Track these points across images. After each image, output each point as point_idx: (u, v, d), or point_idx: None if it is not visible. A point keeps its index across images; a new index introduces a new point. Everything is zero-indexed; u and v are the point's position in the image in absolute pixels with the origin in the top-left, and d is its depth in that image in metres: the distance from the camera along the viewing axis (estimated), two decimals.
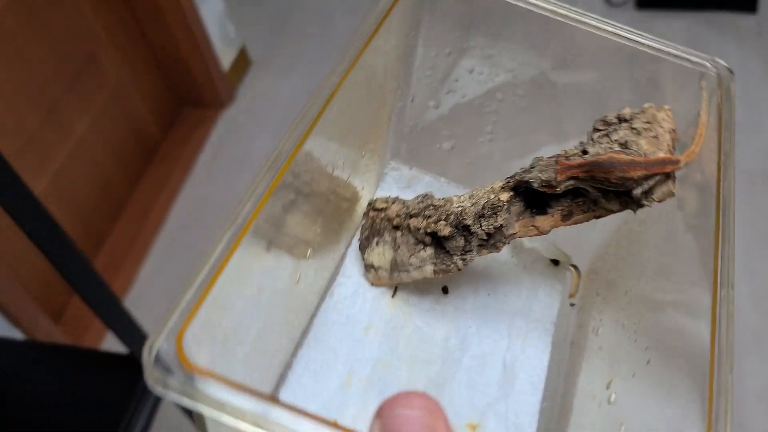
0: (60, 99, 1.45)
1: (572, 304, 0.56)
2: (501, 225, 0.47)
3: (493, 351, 0.52)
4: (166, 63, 1.88)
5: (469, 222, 0.48)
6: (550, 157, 0.45)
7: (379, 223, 0.54)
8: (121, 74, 1.70)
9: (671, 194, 0.45)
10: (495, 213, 0.47)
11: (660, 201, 0.46)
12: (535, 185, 0.45)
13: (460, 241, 0.49)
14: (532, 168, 0.46)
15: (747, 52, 1.88)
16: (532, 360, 0.52)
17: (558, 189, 0.45)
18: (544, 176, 0.45)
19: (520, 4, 0.49)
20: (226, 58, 2.02)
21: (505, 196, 0.48)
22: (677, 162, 0.43)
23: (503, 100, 0.53)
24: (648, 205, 0.45)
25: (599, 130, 0.49)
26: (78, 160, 1.51)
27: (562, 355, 0.53)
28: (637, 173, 0.43)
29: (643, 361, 0.40)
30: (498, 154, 0.55)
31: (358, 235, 0.55)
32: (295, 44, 2.29)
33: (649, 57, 0.50)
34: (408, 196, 0.60)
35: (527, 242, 0.58)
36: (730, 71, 0.48)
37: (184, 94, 2.01)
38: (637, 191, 0.44)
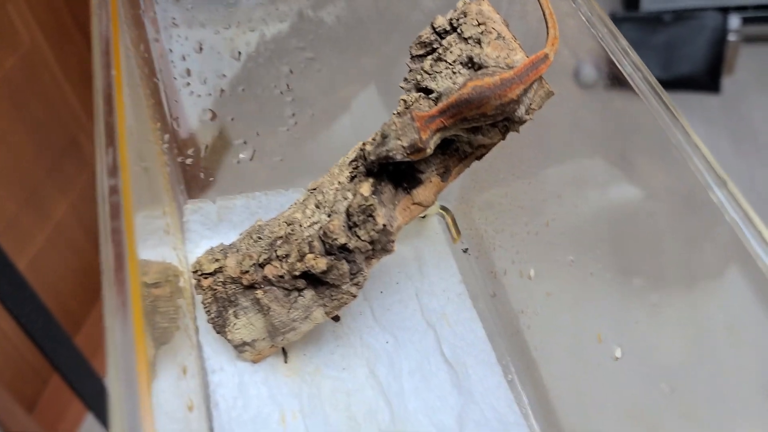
0: (40, 183, 1.46)
1: (465, 250, 0.48)
2: (384, 225, 0.37)
3: (426, 354, 0.43)
4: None
5: (342, 240, 0.37)
6: (402, 116, 0.35)
7: (225, 290, 0.40)
8: None
9: (551, 94, 0.37)
10: (370, 215, 0.36)
11: (540, 107, 0.38)
12: (399, 157, 0.35)
13: (344, 267, 0.38)
14: (385, 138, 0.35)
15: (715, 131, 1.89)
16: (469, 336, 0.44)
17: (428, 149, 0.35)
18: (405, 141, 0.34)
19: None
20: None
21: (366, 189, 0.37)
22: (546, 57, 0.35)
23: (292, 73, 0.40)
24: (530, 119, 0.37)
25: (421, 57, 0.39)
26: (56, 243, 1.49)
27: (491, 311, 0.45)
28: (516, 91, 0.34)
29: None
30: (311, 134, 0.44)
31: (203, 317, 0.41)
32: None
33: None
34: (225, 234, 0.46)
35: None
36: None
37: None
38: (521, 110, 0.35)
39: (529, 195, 0.40)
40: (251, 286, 0.40)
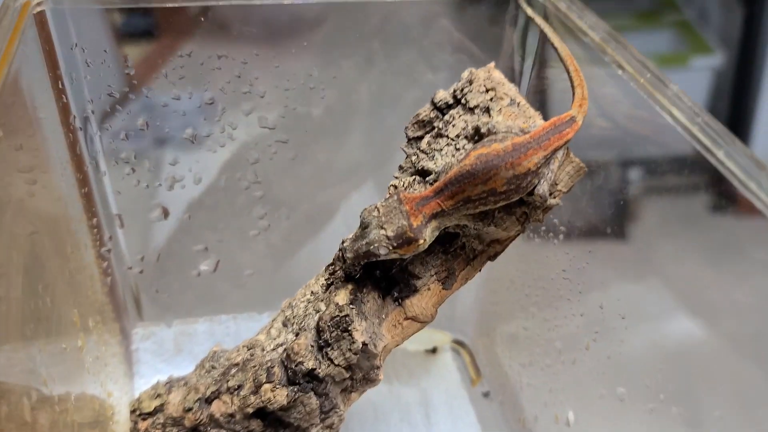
0: None
1: (485, 394, 0.38)
2: (364, 343, 0.27)
3: None
4: None
5: (310, 364, 0.28)
6: (387, 200, 0.27)
7: None
8: None
9: (582, 171, 0.29)
10: (345, 329, 0.27)
11: (570, 189, 0.29)
12: (384, 252, 0.26)
13: (312, 402, 0.28)
14: (366, 229, 0.27)
15: (625, 276, 1.99)
16: None
17: (421, 240, 0.26)
18: (390, 230, 0.26)
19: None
20: None
21: (342, 297, 0.28)
22: (573, 120, 0.27)
23: (259, 159, 0.33)
24: (557, 204, 0.29)
25: (418, 138, 0.31)
26: None
27: None
28: (533, 159, 0.26)
29: None
30: (292, 243, 0.36)
31: None
32: None
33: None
34: (185, 368, 0.37)
35: None
36: None
37: None
38: (542, 187, 0.27)
39: (562, 312, 0.31)
40: (195, 429, 0.30)
